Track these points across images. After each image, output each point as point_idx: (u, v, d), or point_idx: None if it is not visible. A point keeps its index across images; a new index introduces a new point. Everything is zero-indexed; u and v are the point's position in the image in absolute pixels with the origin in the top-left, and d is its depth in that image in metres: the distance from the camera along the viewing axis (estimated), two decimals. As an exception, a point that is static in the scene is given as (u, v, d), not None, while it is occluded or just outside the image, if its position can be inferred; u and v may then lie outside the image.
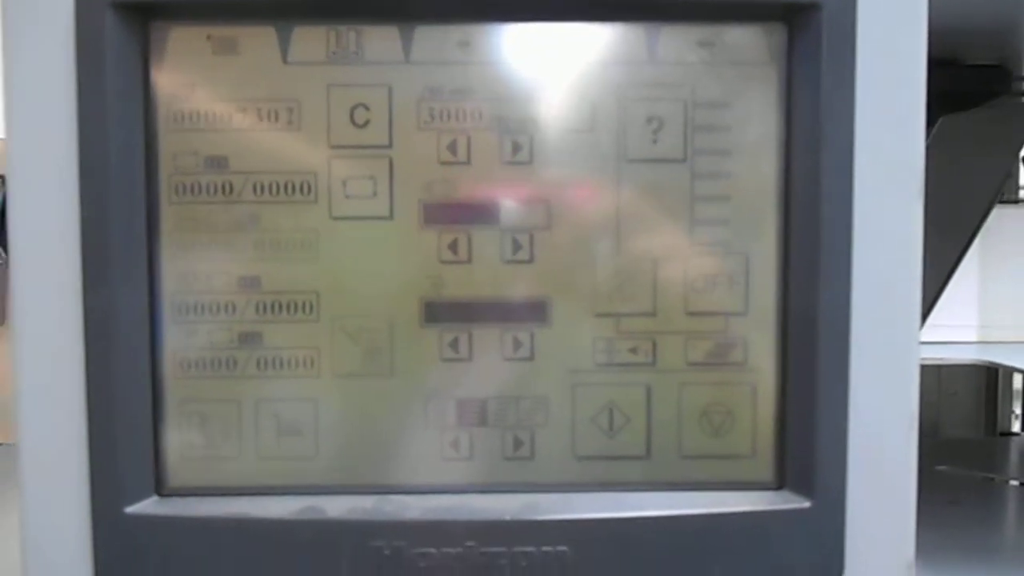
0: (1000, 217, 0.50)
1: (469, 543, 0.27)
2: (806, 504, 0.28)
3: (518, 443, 0.29)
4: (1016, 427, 0.85)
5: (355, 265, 0.28)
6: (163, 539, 0.27)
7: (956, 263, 0.50)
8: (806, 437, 0.28)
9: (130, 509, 0.27)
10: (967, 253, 0.51)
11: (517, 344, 0.28)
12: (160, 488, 0.28)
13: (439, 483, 0.28)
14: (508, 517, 0.27)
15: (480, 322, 0.28)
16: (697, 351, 0.29)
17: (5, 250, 1.18)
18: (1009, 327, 0.50)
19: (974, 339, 0.50)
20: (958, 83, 0.56)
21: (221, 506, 0.28)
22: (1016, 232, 0.52)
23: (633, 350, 0.29)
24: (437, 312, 0.28)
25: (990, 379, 0.83)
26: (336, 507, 0.28)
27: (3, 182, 1.16)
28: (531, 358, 0.28)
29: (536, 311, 0.28)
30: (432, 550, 0.27)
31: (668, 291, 0.28)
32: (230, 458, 0.28)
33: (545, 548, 0.27)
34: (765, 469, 0.29)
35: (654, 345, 0.29)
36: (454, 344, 0.28)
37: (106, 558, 0.28)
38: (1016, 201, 0.59)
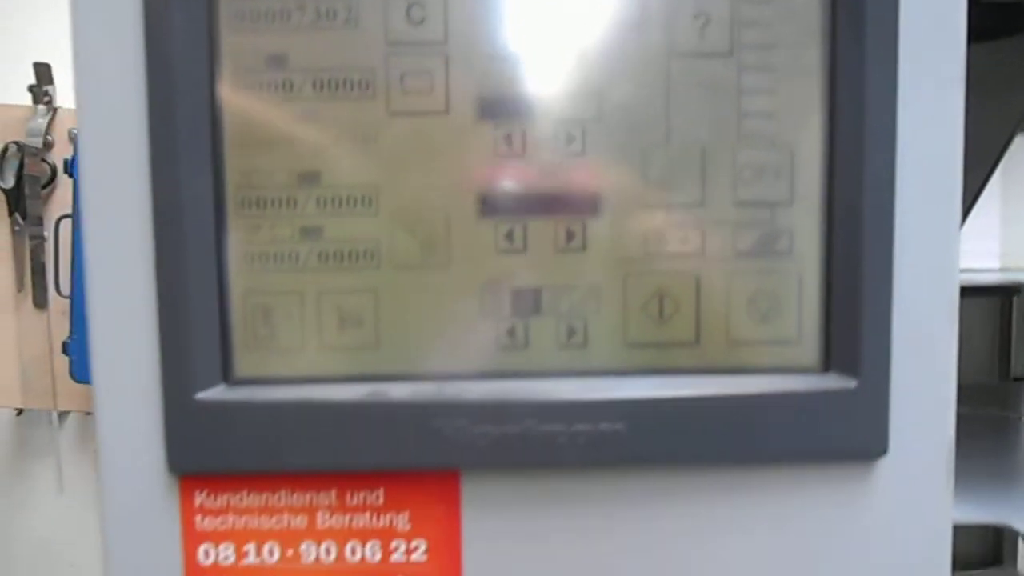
0: (1022, 149, 0.51)
1: (528, 422, 0.28)
2: (852, 384, 0.29)
3: (572, 331, 0.30)
4: (1029, 373, 0.87)
5: (413, 159, 0.29)
6: (233, 423, 0.29)
7: (977, 193, 0.51)
8: (851, 321, 0.29)
9: (201, 396, 0.28)
10: (988, 184, 0.52)
11: (570, 235, 0.29)
12: (228, 378, 0.29)
13: (497, 370, 0.29)
14: (565, 397, 0.28)
15: (534, 214, 0.29)
16: (744, 240, 0.29)
17: (23, 217, 1.19)
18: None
19: (996, 266, 0.51)
20: (978, 19, 0.57)
21: (288, 392, 0.29)
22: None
23: (683, 240, 0.29)
24: (493, 204, 0.29)
25: (1004, 325, 0.84)
26: (399, 391, 0.29)
27: (19, 148, 1.17)
28: (583, 248, 0.29)
29: (588, 202, 0.29)
30: (492, 429, 0.28)
31: (716, 182, 0.29)
32: (294, 348, 0.29)
33: (602, 426, 0.28)
34: (811, 354, 0.30)
35: (703, 235, 0.29)
36: (509, 236, 0.29)
37: (178, 441, 0.29)
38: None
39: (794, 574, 0.30)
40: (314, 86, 0.29)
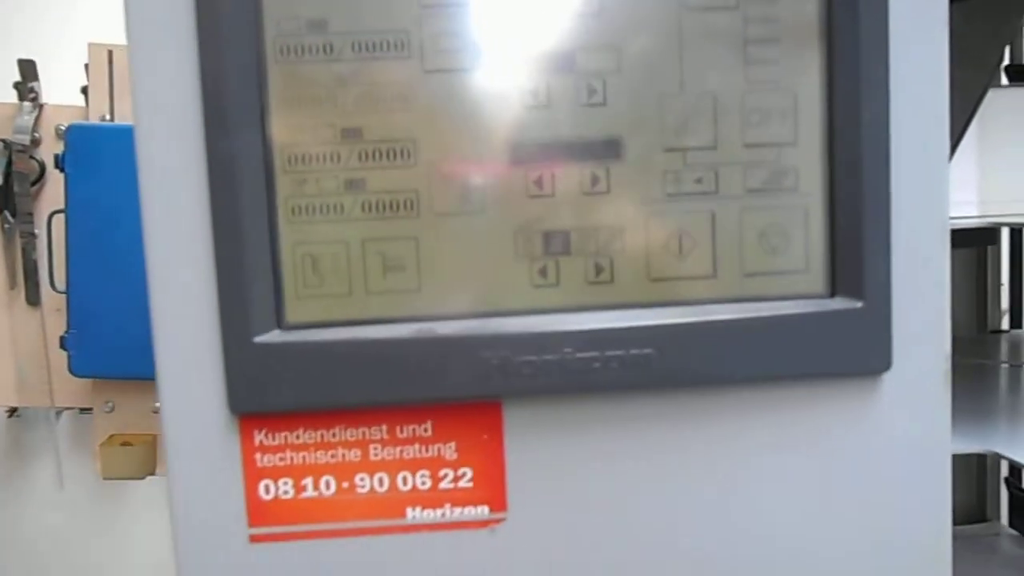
0: (995, 99, 0.54)
1: (565, 350, 0.31)
2: (857, 305, 0.31)
3: (599, 269, 0.32)
4: (1005, 325, 0.91)
5: (447, 113, 0.31)
6: (289, 364, 0.31)
7: (955, 146, 0.54)
8: (854, 248, 0.31)
9: (258, 339, 0.31)
10: (964, 137, 0.55)
11: (595, 180, 0.32)
12: (281, 324, 0.31)
13: (531, 307, 0.32)
14: (598, 326, 0.31)
15: (561, 161, 0.32)
16: (754, 179, 0.32)
17: (12, 215, 1.19)
18: (1007, 202, 0.55)
19: (975, 213, 0.54)
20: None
21: (338, 333, 0.31)
22: (1012, 113, 0.56)
23: (698, 180, 0.32)
24: (523, 153, 0.31)
25: (980, 279, 0.88)
26: (445, 328, 0.31)
27: (5, 146, 1.17)
28: (608, 192, 0.32)
29: (611, 149, 0.32)
30: (534, 357, 0.30)
31: (727, 126, 0.32)
32: (342, 294, 0.32)
33: (633, 351, 0.31)
34: (819, 281, 0.32)
35: (716, 175, 0.32)
36: (539, 182, 0.32)
37: (238, 383, 0.31)
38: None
39: (810, 482, 0.33)
40: (353, 48, 0.31)
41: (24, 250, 1.18)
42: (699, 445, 0.33)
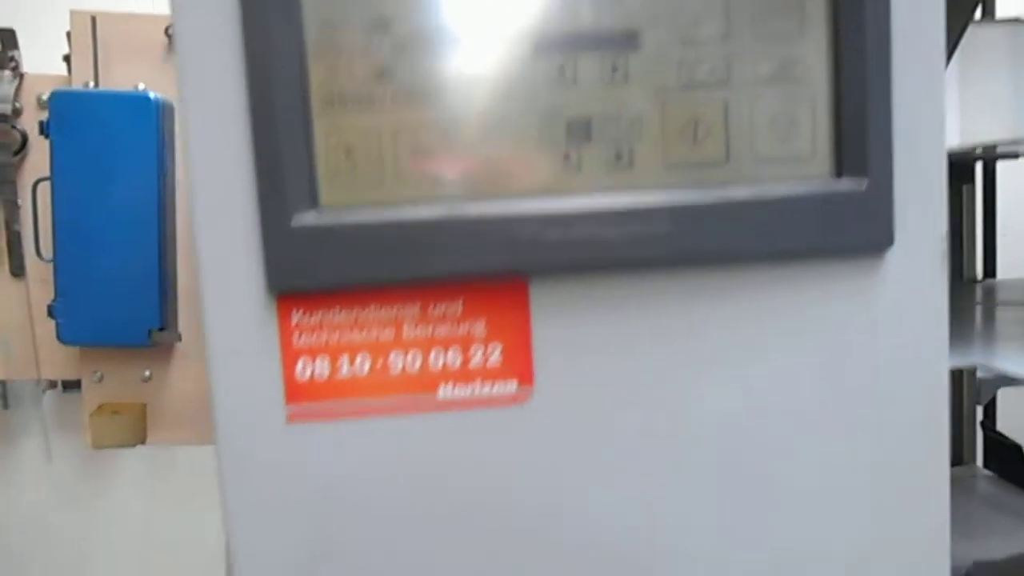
0: (975, 39, 0.57)
1: (590, 226, 0.32)
2: (863, 185, 0.33)
3: (619, 155, 0.34)
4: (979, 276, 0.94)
5: (474, 4, 0.33)
6: (325, 244, 0.32)
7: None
8: (859, 130, 0.33)
9: (295, 221, 0.32)
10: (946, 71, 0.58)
11: (615, 68, 0.33)
12: (316, 206, 0.33)
13: (555, 190, 0.33)
14: (620, 206, 0.32)
15: (582, 50, 0.33)
16: (764, 68, 0.34)
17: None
18: (985, 131, 0.58)
19: (956, 144, 0.57)
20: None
21: (373, 214, 0.32)
22: (989, 48, 0.59)
23: (711, 70, 0.34)
24: (546, 42, 0.33)
25: (955, 235, 0.92)
26: (474, 208, 0.32)
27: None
28: (626, 81, 0.33)
29: (629, 39, 0.33)
30: (560, 234, 0.32)
31: (739, 18, 0.34)
32: (374, 180, 0.33)
33: (653, 227, 0.32)
34: (825, 165, 0.34)
35: (728, 66, 0.34)
36: (561, 71, 0.33)
37: (276, 264, 0.32)
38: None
39: (818, 356, 0.35)
40: (382, -59, 0.32)
41: (7, 221, 1.17)
42: (714, 322, 0.34)
